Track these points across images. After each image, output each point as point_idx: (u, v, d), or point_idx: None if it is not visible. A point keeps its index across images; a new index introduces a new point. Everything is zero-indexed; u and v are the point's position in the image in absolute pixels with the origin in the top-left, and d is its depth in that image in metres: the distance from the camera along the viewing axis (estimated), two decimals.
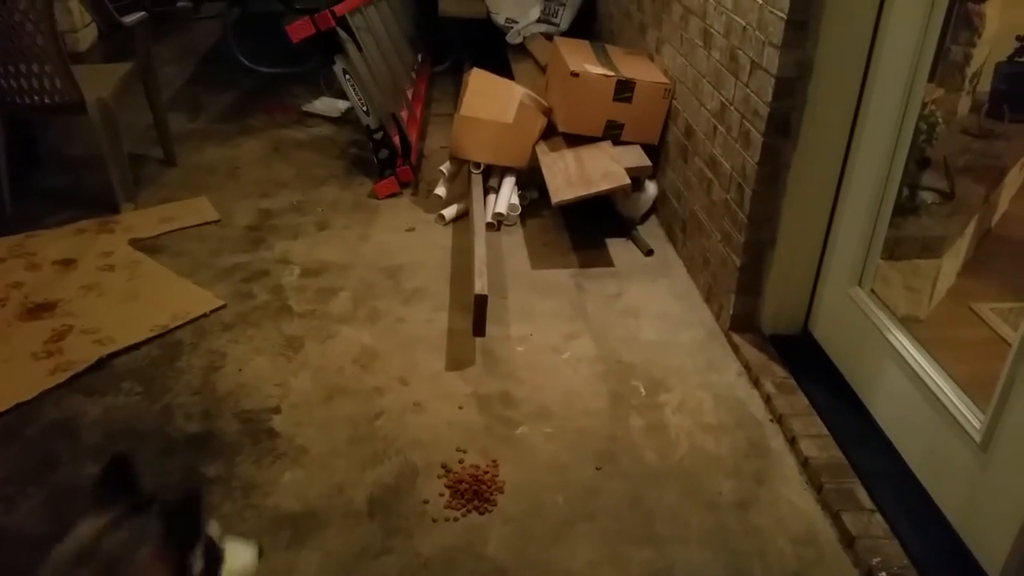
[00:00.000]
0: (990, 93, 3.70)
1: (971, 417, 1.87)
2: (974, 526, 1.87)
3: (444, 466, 2.16)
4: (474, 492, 2.07)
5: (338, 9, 3.57)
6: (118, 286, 2.89)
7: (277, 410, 2.35)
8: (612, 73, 3.28)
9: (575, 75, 3.23)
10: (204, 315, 2.75)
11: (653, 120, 3.32)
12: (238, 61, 5.22)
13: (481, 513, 2.03)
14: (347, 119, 4.47)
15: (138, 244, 3.17)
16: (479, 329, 2.57)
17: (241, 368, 2.52)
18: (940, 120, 2.82)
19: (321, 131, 4.37)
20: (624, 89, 3.25)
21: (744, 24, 2.52)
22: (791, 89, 2.33)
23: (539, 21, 4.50)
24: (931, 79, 3.00)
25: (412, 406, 2.39)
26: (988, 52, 3.65)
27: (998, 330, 2.81)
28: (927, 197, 2.97)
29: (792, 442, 2.27)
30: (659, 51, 3.44)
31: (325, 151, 4.11)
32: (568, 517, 2.03)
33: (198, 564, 1.19)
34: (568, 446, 2.26)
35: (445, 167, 3.54)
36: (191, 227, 3.31)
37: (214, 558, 1.25)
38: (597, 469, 2.18)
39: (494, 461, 2.18)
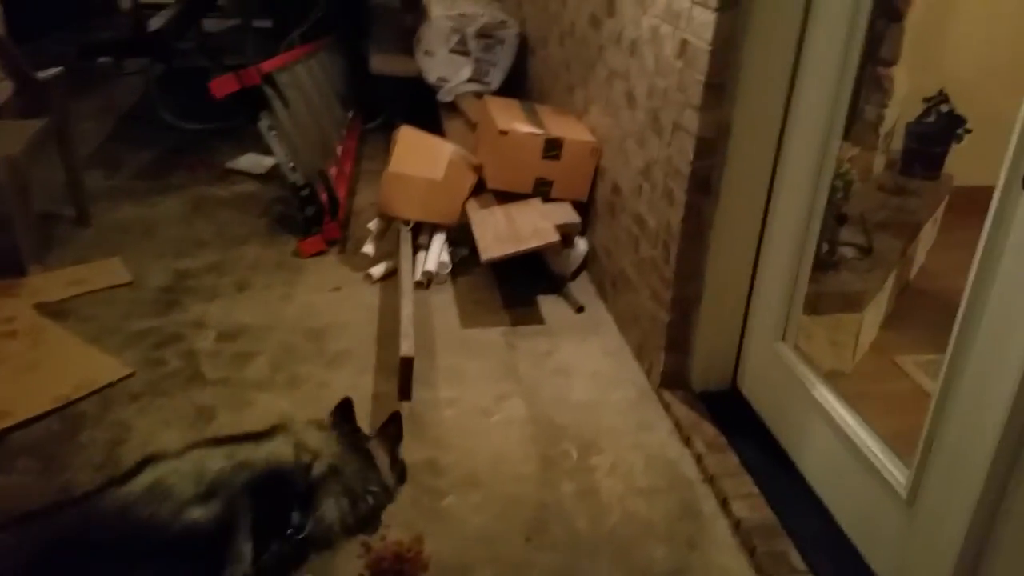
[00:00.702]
0: (902, 152, 3.86)
1: (896, 473, 1.86)
2: None
3: (364, 544, 2.05)
4: (396, 572, 1.97)
5: (264, 66, 3.52)
6: (19, 354, 2.72)
7: None
8: (541, 131, 3.29)
9: (504, 133, 3.23)
10: (110, 384, 2.60)
11: (581, 178, 3.33)
12: (161, 118, 5.09)
13: None
14: (273, 176, 4.37)
15: (44, 309, 3.00)
16: (405, 393, 2.48)
17: (148, 442, 2.38)
18: (855, 178, 2.89)
19: (245, 188, 4.27)
20: (552, 147, 3.26)
21: (665, 86, 2.55)
22: (711, 149, 2.35)
23: (470, 80, 4.53)
24: (846, 138, 3.10)
25: None
26: (899, 113, 3.81)
27: (920, 382, 2.86)
28: (846, 252, 3.03)
29: (724, 503, 2.23)
30: (587, 111, 3.48)
31: (248, 209, 4.01)
32: None
33: (401, 456, 1.86)
34: (497, 516, 2.18)
35: (373, 224, 3.48)
36: (101, 290, 3.15)
37: (403, 464, 1.89)
38: (527, 540, 2.10)
39: (419, 536, 2.08)
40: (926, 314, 3.39)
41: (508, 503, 2.22)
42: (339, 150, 4.46)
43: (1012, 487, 1.56)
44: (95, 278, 3.22)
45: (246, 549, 1.49)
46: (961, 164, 3.86)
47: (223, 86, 3.32)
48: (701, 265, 2.51)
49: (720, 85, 2.26)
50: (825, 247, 2.87)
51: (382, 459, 1.81)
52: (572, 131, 3.37)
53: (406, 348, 2.49)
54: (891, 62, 3.53)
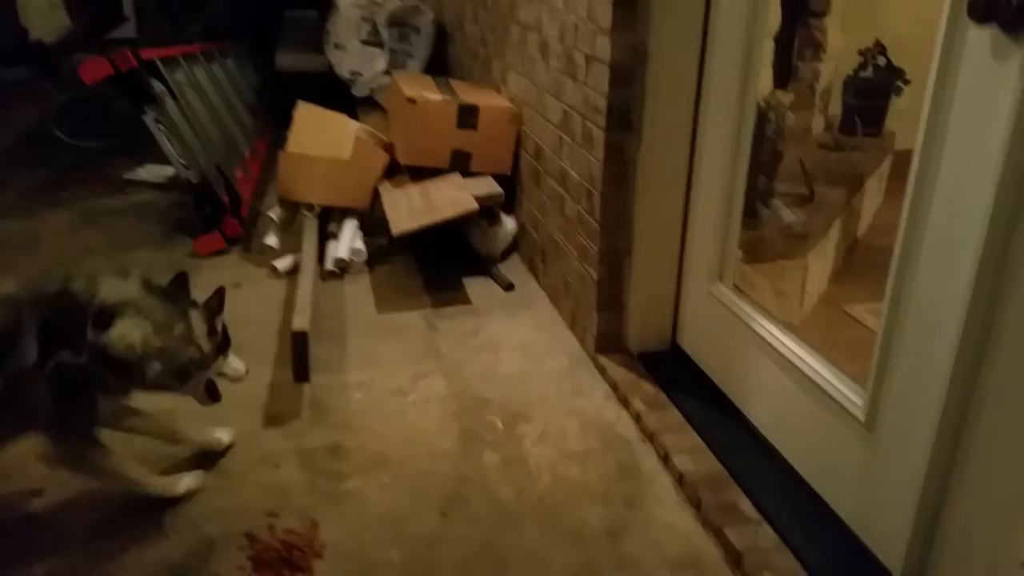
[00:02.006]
0: (842, 107, 3.71)
1: (852, 396, 1.63)
2: (869, 520, 1.62)
3: (248, 535, 1.74)
4: (283, 561, 1.66)
5: (144, 53, 3.24)
6: None
7: (39, 493, 1.88)
8: (453, 99, 3.07)
9: (412, 101, 3.00)
10: None
11: (502, 148, 3.11)
12: (59, 139, 4.76)
13: None
14: (175, 185, 4.06)
15: None
16: (301, 373, 2.19)
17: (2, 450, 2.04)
18: (788, 112, 2.72)
19: (143, 197, 3.96)
20: (468, 115, 3.04)
21: (575, 20, 2.35)
22: (627, 77, 2.15)
23: (386, 72, 4.30)
24: (781, 86, 2.92)
25: (214, 472, 1.96)
26: (835, 69, 3.68)
27: (874, 328, 2.66)
28: (787, 201, 2.85)
29: (665, 459, 1.98)
30: (505, 82, 3.27)
31: (144, 216, 3.69)
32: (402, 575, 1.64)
33: (221, 327, 1.86)
34: (408, 495, 1.89)
35: (274, 212, 3.20)
36: None
37: (227, 336, 1.90)
38: (443, 516, 1.82)
39: (313, 522, 1.78)
40: (876, 269, 3.22)
41: (421, 480, 1.93)
42: (247, 155, 4.18)
43: (977, 395, 1.34)
44: None
45: (30, 349, 1.55)
46: (903, 127, 3.74)
47: (93, 70, 3.03)
48: (628, 211, 2.29)
49: (631, 3, 2.07)
50: (762, 182, 2.68)
51: (199, 325, 1.79)
52: (489, 100, 3.15)
53: (299, 322, 2.21)
54: (822, 13, 3.40)
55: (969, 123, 1.29)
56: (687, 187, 2.24)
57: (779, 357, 1.86)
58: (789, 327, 1.92)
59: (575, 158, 2.47)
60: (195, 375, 1.80)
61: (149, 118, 3.25)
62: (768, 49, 2.67)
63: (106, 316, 1.62)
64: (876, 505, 1.58)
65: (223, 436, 2.03)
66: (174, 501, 1.83)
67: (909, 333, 1.47)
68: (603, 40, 2.16)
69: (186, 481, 1.87)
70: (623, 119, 2.20)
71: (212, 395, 1.92)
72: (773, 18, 2.77)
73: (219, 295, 1.87)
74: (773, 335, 1.89)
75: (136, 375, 1.68)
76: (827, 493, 1.74)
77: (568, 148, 2.53)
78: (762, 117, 2.52)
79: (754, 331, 1.96)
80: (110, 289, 1.66)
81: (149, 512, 1.81)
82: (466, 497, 1.87)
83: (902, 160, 3.75)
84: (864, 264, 3.30)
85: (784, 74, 3.28)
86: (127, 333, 1.63)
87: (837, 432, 1.67)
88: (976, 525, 1.37)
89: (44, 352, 1.56)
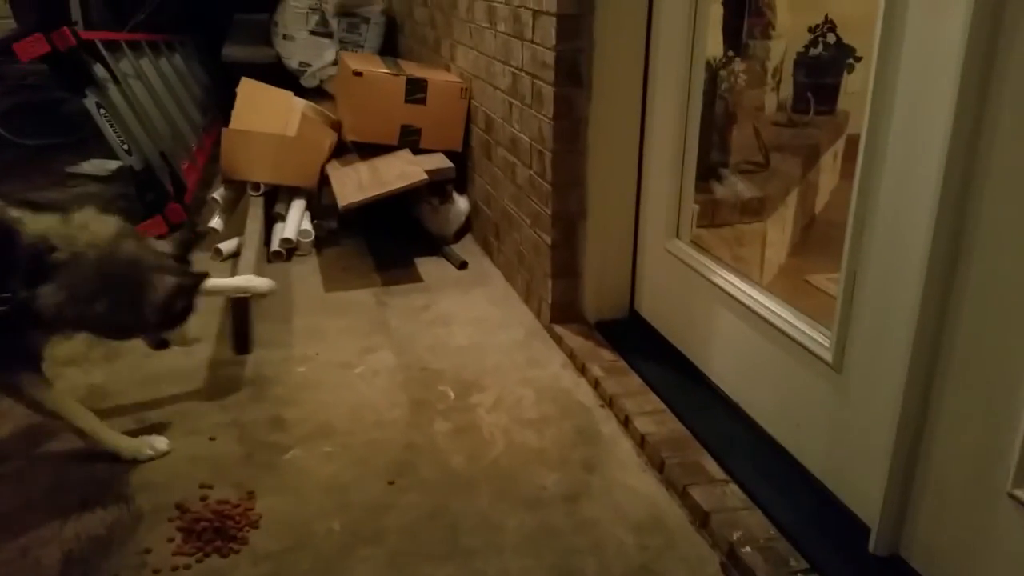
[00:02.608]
0: (793, 86, 3.67)
1: (818, 337, 1.55)
2: (842, 472, 1.53)
3: (179, 506, 1.61)
4: (215, 531, 1.53)
5: (84, 34, 3.10)
6: None
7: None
8: (401, 73, 2.97)
9: (359, 74, 2.90)
10: None
11: (453, 123, 3.02)
12: (4, 139, 4.57)
13: (224, 555, 1.49)
14: (119, 177, 3.90)
15: None
16: (242, 344, 2.07)
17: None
18: (740, 73, 2.67)
19: (85, 189, 3.79)
20: (416, 89, 2.94)
21: None
22: (575, 28, 2.07)
23: (335, 63, 4.19)
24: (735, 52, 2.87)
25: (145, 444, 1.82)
26: (785, 48, 3.65)
27: (834, 295, 2.61)
28: (742, 166, 2.79)
29: (625, 423, 1.88)
30: (454, 59, 3.19)
31: (84, 204, 3.51)
32: (345, 544, 1.52)
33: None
34: (352, 463, 1.77)
35: (218, 194, 3.06)
36: None
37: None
38: (389, 484, 1.70)
39: (250, 493, 1.65)
40: (835, 245, 3.19)
41: (367, 450, 1.81)
42: (194, 148, 4.03)
43: (950, 321, 1.26)
44: None
45: None
46: (857, 110, 3.72)
47: (30, 48, 2.88)
48: (581, 171, 2.21)
49: None
50: (716, 142, 2.61)
51: (163, 285, 1.69)
52: (438, 75, 3.06)
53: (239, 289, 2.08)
54: None
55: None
56: (640, 142, 2.16)
57: (741, 308, 1.79)
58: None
59: (525, 121, 2.38)
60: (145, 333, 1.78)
61: (90, 102, 3.09)
62: (717, 12, 2.62)
63: (40, 273, 1.53)
64: (848, 455, 1.50)
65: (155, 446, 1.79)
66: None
67: (874, 262, 1.40)
68: None
69: (156, 442, 1.76)
70: (572, 72, 2.12)
71: (159, 345, 1.86)
72: None
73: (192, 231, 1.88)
74: (734, 285, 1.82)
75: (62, 330, 1.65)
76: (796, 448, 1.66)
77: (518, 112, 2.45)
78: (713, 76, 2.47)
79: (714, 284, 1.88)
80: (69, 236, 1.57)
81: (72, 486, 1.67)
82: (415, 465, 1.76)
83: (855, 144, 3.77)
84: (822, 240, 3.25)
85: (734, 41, 3.23)
86: (45, 296, 1.53)
87: (804, 378, 1.60)
88: (956, 463, 1.28)
89: None
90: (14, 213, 1.57)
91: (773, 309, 1.68)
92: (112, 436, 1.74)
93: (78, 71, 3.09)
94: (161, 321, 1.73)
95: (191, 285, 1.79)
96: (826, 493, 1.56)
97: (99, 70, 3.20)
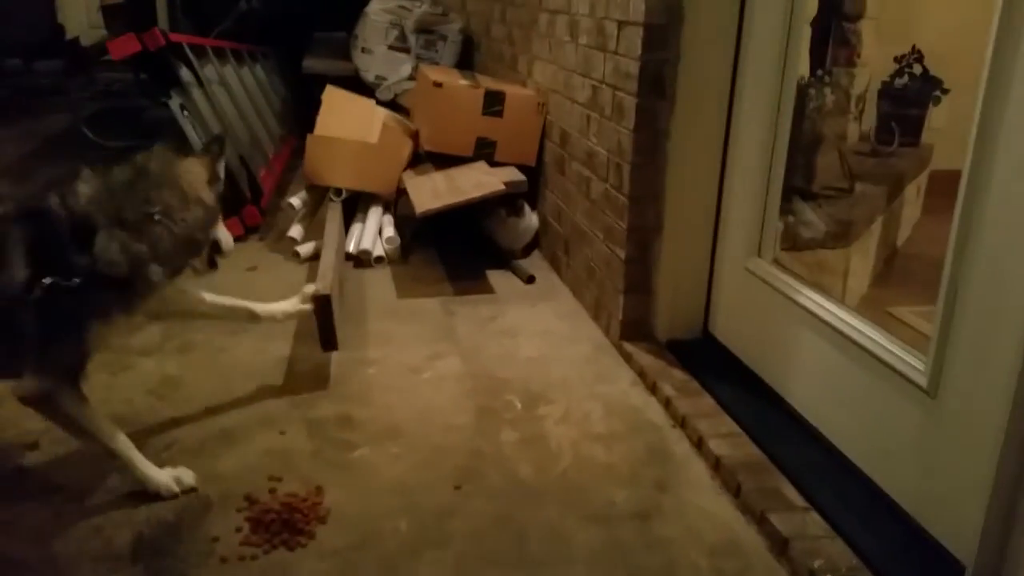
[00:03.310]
0: (877, 116, 3.58)
1: (911, 360, 1.48)
2: (932, 502, 1.45)
3: (248, 497, 1.61)
4: (283, 523, 1.53)
5: (173, 35, 3.20)
6: None
7: (34, 446, 1.78)
8: (479, 86, 2.99)
9: (438, 85, 2.92)
10: None
11: (528, 137, 3.01)
12: (88, 140, 4.76)
13: (291, 548, 1.48)
14: None
15: None
16: (328, 341, 2.07)
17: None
18: (829, 92, 2.61)
19: None
20: (494, 102, 2.95)
21: None
22: (662, 39, 2.05)
23: (411, 78, 4.25)
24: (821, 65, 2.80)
25: (217, 433, 1.84)
26: (870, 76, 3.56)
27: (920, 329, 2.50)
28: (826, 193, 2.72)
29: (699, 444, 1.82)
30: (531, 75, 3.19)
31: None
32: (411, 545, 1.50)
33: (221, 174, 1.76)
34: (419, 465, 1.75)
35: (297, 199, 3.11)
36: None
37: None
38: (456, 488, 1.67)
39: (318, 488, 1.65)
40: (919, 279, 3.08)
41: (434, 453, 1.79)
42: (271, 156, 4.13)
43: None
44: None
45: (19, 273, 1.43)
46: (940, 146, 3.61)
47: (122, 46, 2.99)
48: (659, 185, 2.17)
49: None
50: (801, 163, 2.55)
51: (198, 173, 1.66)
52: (516, 89, 3.07)
53: (322, 286, 2.09)
54: (856, 16, 3.30)
55: None
56: (723, 157, 2.12)
57: (827, 330, 1.72)
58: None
59: (603, 134, 2.36)
60: (204, 239, 1.70)
61: (174, 103, 3.20)
62: (806, 32, 2.57)
63: (85, 230, 1.49)
64: (940, 485, 1.42)
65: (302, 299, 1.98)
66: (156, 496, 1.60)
67: (977, 286, 1.33)
68: (637, 1, 2.07)
69: (184, 476, 1.62)
70: (656, 84, 2.10)
71: (211, 263, 1.80)
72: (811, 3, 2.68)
73: (218, 139, 1.80)
74: (819, 304, 1.75)
75: (140, 284, 1.55)
76: (882, 477, 1.58)
77: (596, 125, 2.43)
78: (801, 93, 2.41)
79: (799, 305, 1.82)
80: (79, 195, 1.52)
81: None
82: (481, 472, 1.73)
83: (940, 180, 3.65)
84: (905, 272, 3.15)
85: (820, 65, 3.17)
86: (106, 247, 1.49)
87: (893, 404, 1.52)
88: None
89: (33, 275, 1.43)
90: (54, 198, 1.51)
91: (863, 331, 1.61)
92: (143, 465, 1.60)
93: (165, 72, 3.20)
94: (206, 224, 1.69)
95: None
96: (914, 525, 1.48)
97: (185, 74, 3.30)
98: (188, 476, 1.63)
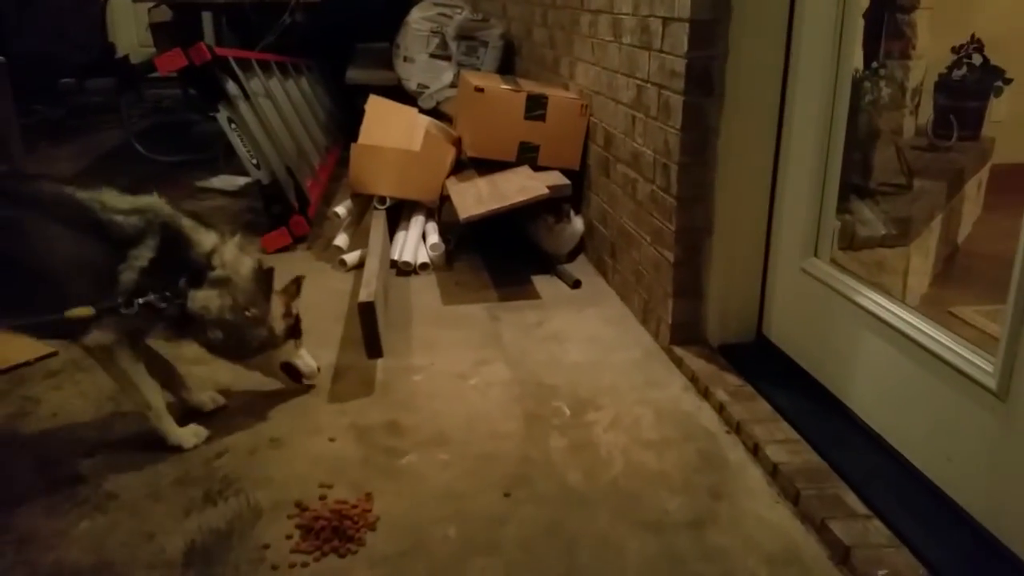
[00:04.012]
0: (934, 108, 3.47)
1: (979, 362, 1.42)
2: (1004, 509, 1.39)
3: (299, 504, 1.61)
4: (334, 530, 1.52)
5: (218, 49, 3.25)
6: None
7: (90, 454, 1.80)
8: (521, 89, 2.97)
9: (480, 90, 2.92)
10: (27, 363, 2.22)
11: (571, 140, 2.99)
12: (140, 155, 4.87)
13: (341, 555, 1.48)
14: (246, 193, 4.07)
15: None
16: (374, 348, 2.07)
17: (56, 413, 1.99)
18: (884, 85, 2.53)
19: (214, 203, 3.96)
20: (536, 106, 2.93)
21: None
22: (710, 34, 2.01)
23: (452, 85, 4.25)
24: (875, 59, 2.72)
25: (267, 442, 1.85)
26: (926, 68, 3.45)
27: (986, 329, 2.41)
28: (882, 189, 2.64)
29: (755, 451, 1.77)
30: (573, 77, 3.17)
31: (214, 218, 3.57)
32: (460, 552, 1.48)
33: (295, 312, 2.02)
34: (467, 472, 1.73)
35: (342, 208, 3.13)
36: None
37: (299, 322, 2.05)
38: (505, 495, 1.65)
39: (367, 495, 1.64)
40: (981, 275, 2.97)
41: (482, 460, 1.77)
42: (317, 166, 4.17)
43: None
44: None
45: (144, 255, 1.69)
46: (1003, 138, 3.49)
47: (169, 62, 3.04)
48: (709, 184, 2.13)
49: None
50: (857, 159, 2.47)
51: (276, 307, 1.92)
52: (558, 92, 3.05)
53: (366, 294, 2.09)
54: (911, 7, 3.20)
55: None
56: (775, 155, 2.06)
57: (889, 331, 1.66)
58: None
59: (649, 134, 2.32)
60: (261, 350, 1.92)
61: (222, 116, 3.24)
62: (859, 24, 2.50)
63: (201, 276, 1.77)
64: (1012, 491, 1.36)
65: (209, 400, 2.02)
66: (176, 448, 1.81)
67: None
68: None
69: (200, 432, 1.86)
70: (704, 81, 2.05)
71: (292, 377, 2.03)
72: None
73: (297, 283, 2.02)
74: (881, 305, 1.69)
75: (198, 331, 1.81)
76: (948, 483, 1.52)
77: (641, 125, 2.39)
78: (856, 86, 2.34)
79: (859, 306, 1.76)
80: (223, 260, 1.80)
81: (196, 480, 1.70)
82: (530, 478, 1.70)
83: (1003, 175, 3.52)
84: (967, 271, 3.04)
85: (873, 57, 3.08)
86: (209, 301, 1.77)
87: (961, 408, 1.46)
88: None
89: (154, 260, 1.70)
90: (186, 222, 1.81)
91: (927, 331, 1.55)
92: (170, 423, 1.83)
93: (212, 86, 3.25)
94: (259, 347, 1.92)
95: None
96: (984, 533, 1.41)
97: (231, 87, 3.35)
98: (202, 431, 1.86)
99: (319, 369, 2.08)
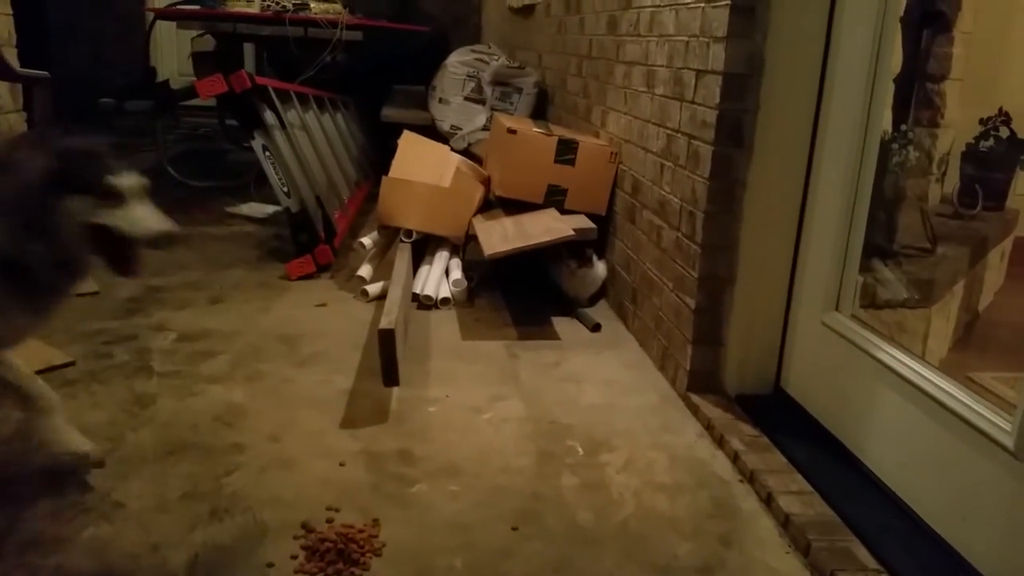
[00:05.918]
0: (960, 178, 3.50)
1: (997, 420, 1.40)
2: (1018, 569, 1.35)
3: (305, 525, 1.60)
4: (339, 553, 1.51)
5: (258, 79, 3.34)
6: None
7: (100, 464, 1.80)
8: (552, 134, 3.02)
9: (512, 132, 2.97)
10: (44, 370, 2.24)
11: (599, 186, 3.02)
12: (172, 179, 4.97)
13: None
14: (274, 220, 4.13)
15: None
16: (390, 376, 2.08)
17: (69, 422, 1.99)
18: (912, 149, 2.55)
19: (242, 229, 4.02)
20: (566, 150, 2.98)
21: (687, 39, 2.28)
22: (741, 88, 2.04)
23: (485, 128, 4.33)
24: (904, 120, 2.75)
25: (277, 462, 1.85)
26: (953, 138, 3.48)
27: (1004, 396, 2.38)
28: (906, 251, 2.64)
29: (768, 501, 1.75)
30: (604, 125, 3.22)
31: (241, 243, 3.72)
32: None
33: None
34: (477, 505, 1.72)
35: (367, 239, 3.17)
36: None
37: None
38: (513, 529, 1.64)
39: (375, 520, 1.63)
40: (1000, 343, 2.95)
41: (493, 493, 1.76)
42: (347, 200, 4.23)
43: None
44: None
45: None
46: None
47: (210, 87, 3.13)
48: (734, 235, 2.14)
49: (749, 8, 1.98)
50: (882, 223, 2.48)
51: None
52: (588, 139, 3.09)
53: (387, 322, 2.11)
54: (941, 77, 3.24)
55: None
56: (801, 209, 2.08)
57: (907, 388, 1.65)
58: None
59: (677, 182, 2.35)
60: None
61: (257, 144, 3.32)
62: (890, 88, 2.53)
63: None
64: None
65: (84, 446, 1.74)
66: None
67: None
68: (717, 49, 2.07)
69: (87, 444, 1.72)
70: (734, 133, 2.08)
71: (115, 258, 1.47)
72: (895, 58, 2.65)
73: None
74: (900, 360, 1.68)
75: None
76: (961, 542, 1.49)
77: (670, 174, 2.42)
78: (884, 148, 2.36)
79: (879, 361, 1.75)
80: None
81: (204, 495, 1.70)
82: (540, 515, 1.69)
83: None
84: (986, 338, 3.03)
85: (902, 120, 3.12)
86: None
87: (976, 466, 1.44)
88: None
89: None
90: None
91: (946, 389, 1.54)
92: (66, 427, 1.70)
93: (250, 113, 3.33)
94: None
95: None
96: None
97: (269, 116, 3.43)
98: (88, 445, 1.72)
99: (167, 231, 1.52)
